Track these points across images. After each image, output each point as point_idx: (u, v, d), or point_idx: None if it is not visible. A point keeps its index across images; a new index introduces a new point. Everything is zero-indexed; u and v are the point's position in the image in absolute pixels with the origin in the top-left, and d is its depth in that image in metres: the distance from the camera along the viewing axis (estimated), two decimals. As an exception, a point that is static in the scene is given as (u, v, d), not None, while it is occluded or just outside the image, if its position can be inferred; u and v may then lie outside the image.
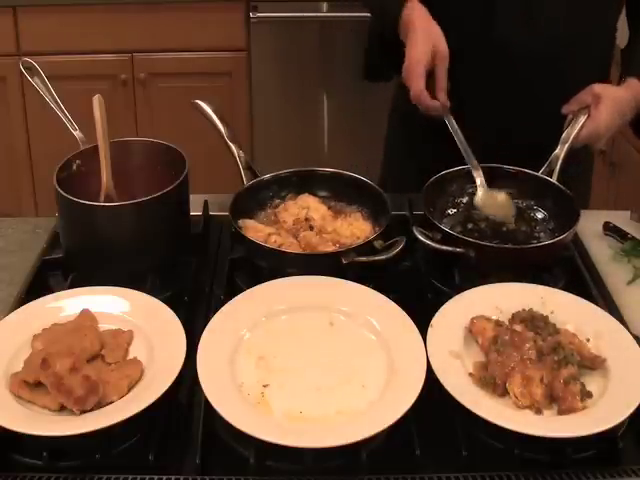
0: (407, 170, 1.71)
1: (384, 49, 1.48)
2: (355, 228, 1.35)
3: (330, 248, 1.30)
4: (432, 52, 1.41)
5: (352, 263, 1.24)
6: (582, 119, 1.45)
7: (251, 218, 1.40)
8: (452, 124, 1.42)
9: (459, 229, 1.42)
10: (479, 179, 1.42)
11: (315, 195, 1.45)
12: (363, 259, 1.25)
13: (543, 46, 1.50)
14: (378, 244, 1.29)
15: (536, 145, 1.46)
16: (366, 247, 1.28)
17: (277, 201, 1.45)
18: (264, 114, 3.09)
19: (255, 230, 1.35)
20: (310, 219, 1.38)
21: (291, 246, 1.31)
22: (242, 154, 1.46)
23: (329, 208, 1.42)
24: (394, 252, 1.26)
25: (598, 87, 1.44)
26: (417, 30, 1.42)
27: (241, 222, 1.36)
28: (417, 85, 1.40)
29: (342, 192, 1.46)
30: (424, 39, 1.41)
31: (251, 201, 1.42)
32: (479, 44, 1.51)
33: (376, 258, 1.26)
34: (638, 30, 1.61)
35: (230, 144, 1.46)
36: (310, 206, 1.41)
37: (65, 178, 1.32)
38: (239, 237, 1.32)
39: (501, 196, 1.44)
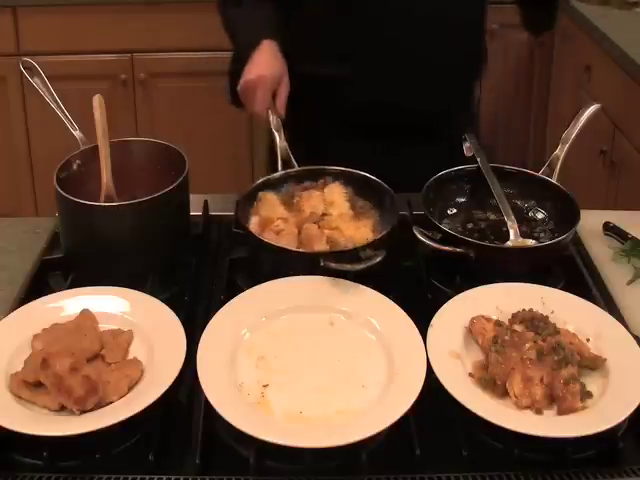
0: None
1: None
2: (358, 233, 1.34)
3: (322, 247, 1.29)
4: (279, 75, 1.49)
5: (327, 267, 1.23)
6: (583, 118, 1.46)
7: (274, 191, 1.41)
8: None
9: (459, 229, 1.42)
10: (512, 230, 1.36)
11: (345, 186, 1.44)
12: (333, 265, 1.22)
13: (419, 11, 1.55)
14: (364, 254, 1.24)
15: (428, 114, 1.59)
16: (349, 254, 1.25)
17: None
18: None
19: (270, 205, 1.36)
20: (328, 215, 1.37)
21: (286, 236, 1.31)
22: (284, 145, 1.48)
23: (352, 207, 1.40)
24: (362, 267, 1.22)
25: None
26: (263, 53, 1.49)
27: (261, 194, 1.38)
28: (266, 99, 1.47)
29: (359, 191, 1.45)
30: (271, 61, 1.49)
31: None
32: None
33: (346, 268, 1.22)
34: None
35: (274, 132, 1.49)
36: (335, 201, 1.40)
37: (65, 178, 1.32)
38: (241, 234, 1.32)
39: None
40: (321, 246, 1.29)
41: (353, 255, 1.25)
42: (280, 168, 1.46)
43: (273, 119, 1.48)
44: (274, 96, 1.49)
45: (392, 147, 1.63)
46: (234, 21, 1.59)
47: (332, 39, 1.58)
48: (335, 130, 1.63)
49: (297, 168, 1.47)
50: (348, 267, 1.22)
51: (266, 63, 1.49)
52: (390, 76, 1.58)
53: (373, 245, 1.26)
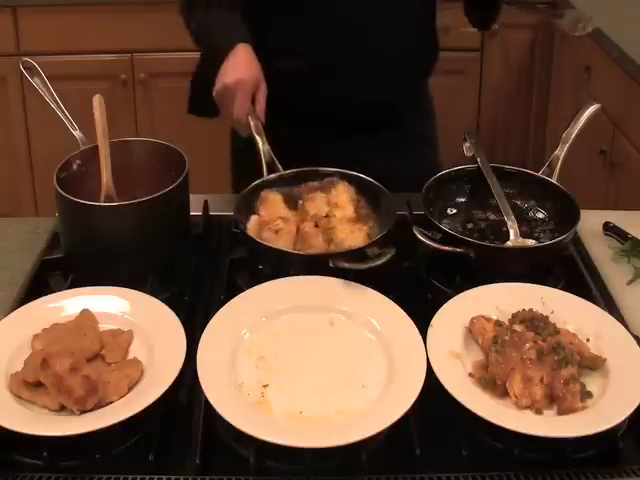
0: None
1: (209, 86, 1.49)
2: (353, 233, 1.34)
3: (320, 248, 1.30)
4: (257, 79, 1.46)
5: (339, 268, 1.23)
6: (583, 118, 1.47)
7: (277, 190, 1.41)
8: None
9: (459, 229, 1.42)
10: (512, 230, 1.36)
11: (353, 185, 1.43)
12: (346, 265, 1.23)
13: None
14: (371, 252, 1.26)
15: (387, 107, 1.62)
16: (357, 253, 1.25)
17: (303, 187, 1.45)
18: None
19: (272, 204, 1.35)
20: (331, 216, 1.36)
21: (284, 236, 1.31)
22: (267, 148, 1.46)
23: (355, 211, 1.40)
24: (379, 262, 1.23)
25: None
26: (240, 57, 1.46)
27: (264, 193, 1.37)
28: (246, 104, 1.44)
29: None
30: (248, 65, 1.47)
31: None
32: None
33: (360, 267, 1.23)
34: None
35: (256, 136, 1.46)
36: (338, 203, 1.40)
37: (65, 178, 1.32)
38: (240, 234, 1.32)
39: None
40: (317, 245, 1.29)
41: (361, 254, 1.25)
42: (265, 172, 1.44)
43: (253, 123, 1.45)
44: (252, 100, 1.45)
45: (346, 142, 1.63)
46: (205, 25, 1.55)
47: (287, 36, 1.58)
48: (288, 126, 1.62)
49: (294, 170, 1.46)
50: (362, 266, 1.23)
51: (244, 67, 1.46)
52: (342, 71, 1.59)
53: (378, 243, 1.27)
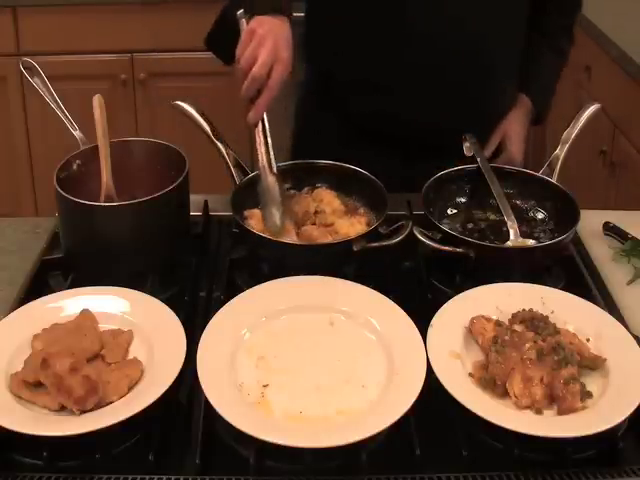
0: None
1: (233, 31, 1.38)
2: (353, 226, 1.35)
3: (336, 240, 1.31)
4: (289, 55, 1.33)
5: (363, 250, 1.25)
6: (583, 118, 1.48)
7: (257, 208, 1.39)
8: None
9: (459, 229, 1.42)
10: (512, 230, 1.36)
11: (332, 189, 1.44)
12: (375, 244, 1.27)
13: (456, 38, 1.51)
14: (382, 229, 1.30)
15: (454, 132, 1.53)
16: (373, 234, 1.29)
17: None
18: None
19: (260, 220, 1.35)
20: (321, 212, 1.37)
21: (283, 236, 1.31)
22: (230, 152, 1.44)
23: (343, 203, 1.42)
24: (402, 236, 1.27)
25: (504, 127, 1.65)
26: (278, 25, 1.34)
27: (247, 212, 1.37)
28: (271, 56, 1.30)
29: (341, 184, 1.45)
30: (287, 37, 1.34)
31: (254, 193, 1.40)
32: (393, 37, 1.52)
33: (385, 243, 1.28)
34: (531, 42, 1.65)
35: (216, 142, 1.44)
36: (324, 199, 1.41)
37: (65, 178, 1.32)
38: (242, 233, 1.32)
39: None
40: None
41: (375, 235, 1.28)
42: (236, 178, 1.41)
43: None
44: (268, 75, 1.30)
45: (405, 161, 1.61)
46: None
47: (360, 50, 1.55)
48: (347, 138, 1.61)
49: (287, 162, 1.47)
50: (386, 243, 1.27)
51: (281, 32, 1.32)
52: (418, 94, 1.55)
53: (386, 222, 1.31)
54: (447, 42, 1.51)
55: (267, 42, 1.30)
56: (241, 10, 1.36)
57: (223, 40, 1.55)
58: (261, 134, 1.37)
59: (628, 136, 2.46)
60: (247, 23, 1.35)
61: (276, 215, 1.34)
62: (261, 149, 1.36)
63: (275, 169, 1.37)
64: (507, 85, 1.66)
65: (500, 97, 1.65)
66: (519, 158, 1.64)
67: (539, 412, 1.05)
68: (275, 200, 1.35)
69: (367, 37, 1.54)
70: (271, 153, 1.37)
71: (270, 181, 1.36)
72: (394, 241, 1.27)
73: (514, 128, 1.67)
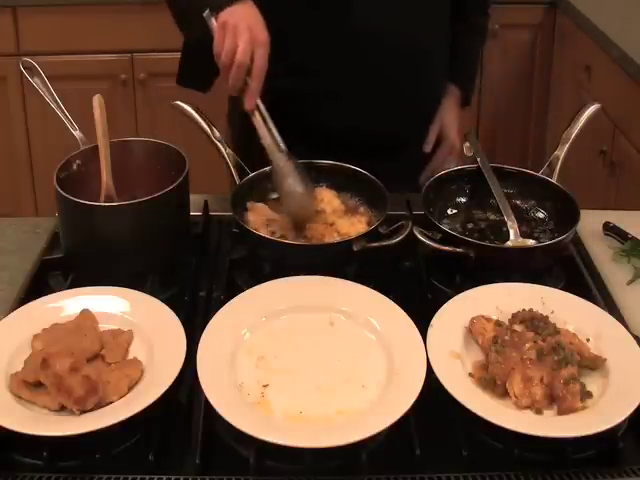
0: None
1: (202, 54, 1.39)
2: (353, 225, 1.35)
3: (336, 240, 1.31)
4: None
5: (363, 249, 1.25)
6: (584, 118, 1.48)
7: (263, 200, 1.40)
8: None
9: (459, 229, 1.42)
10: (512, 230, 1.36)
11: (332, 189, 1.44)
12: (375, 244, 1.27)
13: (392, 38, 1.52)
14: (382, 229, 1.30)
15: (393, 136, 1.60)
16: (373, 234, 1.29)
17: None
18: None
19: (261, 214, 1.35)
20: (321, 212, 1.37)
21: (289, 238, 1.32)
22: (230, 152, 1.45)
23: (343, 203, 1.42)
24: (402, 236, 1.27)
25: (440, 117, 1.70)
26: (248, 7, 1.34)
27: (249, 204, 1.37)
28: (249, 50, 1.30)
29: (341, 184, 1.45)
30: (259, 19, 1.34)
31: (254, 193, 1.41)
32: (335, 32, 1.51)
33: (385, 243, 1.28)
34: (456, 33, 1.68)
35: (216, 142, 1.45)
36: (324, 199, 1.41)
37: (65, 178, 1.32)
38: (242, 233, 1.32)
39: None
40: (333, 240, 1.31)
41: (375, 235, 1.29)
42: (237, 178, 1.40)
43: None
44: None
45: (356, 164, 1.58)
46: None
47: (304, 54, 1.55)
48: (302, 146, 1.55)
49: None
50: (386, 243, 1.27)
51: (252, 16, 1.32)
52: (358, 99, 1.56)
53: (386, 222, 1.31)
54: (386, 42, 1.52)
55: (242, 30, 1.30)
56: (207, 11, 1.37)
57: (193, 72, 1.62)
58: (259, 117, 1.36)
59: (628, 136, 2.46)
60: (216, 20, 1.35)
61: (294, 185, 1.33)
62: (262, 131, 1.36)
63: (282, 147, 1.36)
64: (440, 81, 1.69)
65: (435, 95, 1.69)
66: (458, 144, 1.70)
67: (539, 412, 1.05)
68: (290, 173, 1.34)
69: (307, 33, 1.53)
70: (275, 133, 1.36)
71: (279, 157, 1.35)
72: (394, 241, 1.27)
73: (449, 116, 1.73)
